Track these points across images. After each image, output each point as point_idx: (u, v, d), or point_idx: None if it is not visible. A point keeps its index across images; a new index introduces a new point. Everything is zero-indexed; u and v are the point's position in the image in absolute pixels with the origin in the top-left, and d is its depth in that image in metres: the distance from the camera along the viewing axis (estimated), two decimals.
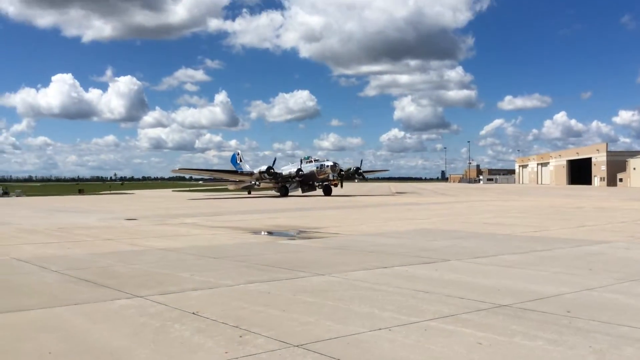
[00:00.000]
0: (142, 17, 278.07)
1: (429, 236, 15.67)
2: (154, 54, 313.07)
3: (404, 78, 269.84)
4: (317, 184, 55.80)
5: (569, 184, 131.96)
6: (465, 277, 8.91)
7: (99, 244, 14.58)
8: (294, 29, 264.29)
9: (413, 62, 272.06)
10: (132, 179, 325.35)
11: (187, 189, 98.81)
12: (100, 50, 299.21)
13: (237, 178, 59.64)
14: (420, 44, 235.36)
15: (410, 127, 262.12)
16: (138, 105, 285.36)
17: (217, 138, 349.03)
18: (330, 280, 8.72)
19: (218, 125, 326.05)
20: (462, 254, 11.68)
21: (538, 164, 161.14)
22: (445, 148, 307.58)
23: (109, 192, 77.62)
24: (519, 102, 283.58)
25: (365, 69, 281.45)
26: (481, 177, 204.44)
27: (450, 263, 10.56)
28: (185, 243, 14.48)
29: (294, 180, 54.21)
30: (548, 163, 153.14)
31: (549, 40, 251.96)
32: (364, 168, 61.27)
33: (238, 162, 63.99)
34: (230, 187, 63.99)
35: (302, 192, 54.86)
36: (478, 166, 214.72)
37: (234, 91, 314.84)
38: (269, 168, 53.90)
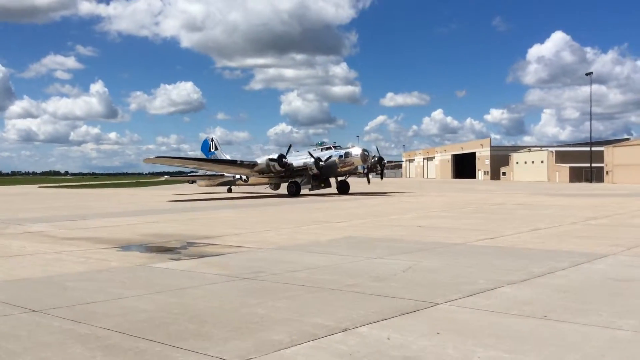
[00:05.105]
0: None
1: (366, 250, 11.53)
2: (18, 39, 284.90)
3: (289, 72, 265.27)
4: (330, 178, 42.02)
5: (454, 177, 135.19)
6: (502, 354, 4.76)
7: None
8: (174, 16, 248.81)
9: (299, 57, 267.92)
10: None
11: (57, 184, 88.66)
12: None
13: (234, 170, 42.55)
14: (305, 38, 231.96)
15: (297, 121, 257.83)
16: (3, 94, 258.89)
17: (95, 130, 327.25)
18: None
19: (95, 117, 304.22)
20: (442, 287, 7.60)
21: (424, 159, 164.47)
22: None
23: None
24: (400, 99, 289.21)
25: (250, 61, 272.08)
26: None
27: (441, 310, 6.41)
28: (4, 273, 9.25)
29: (309, 173, 39.94)
30: (434, 157, 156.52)
31: (427, 39, 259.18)
32: None
33: (212, 150, 49.41)
34: (201, 182, 49.79)
35: (311, 190, 40.52)
36: None
37: (112, 81, 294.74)
38: (281, 157, 39.24)
